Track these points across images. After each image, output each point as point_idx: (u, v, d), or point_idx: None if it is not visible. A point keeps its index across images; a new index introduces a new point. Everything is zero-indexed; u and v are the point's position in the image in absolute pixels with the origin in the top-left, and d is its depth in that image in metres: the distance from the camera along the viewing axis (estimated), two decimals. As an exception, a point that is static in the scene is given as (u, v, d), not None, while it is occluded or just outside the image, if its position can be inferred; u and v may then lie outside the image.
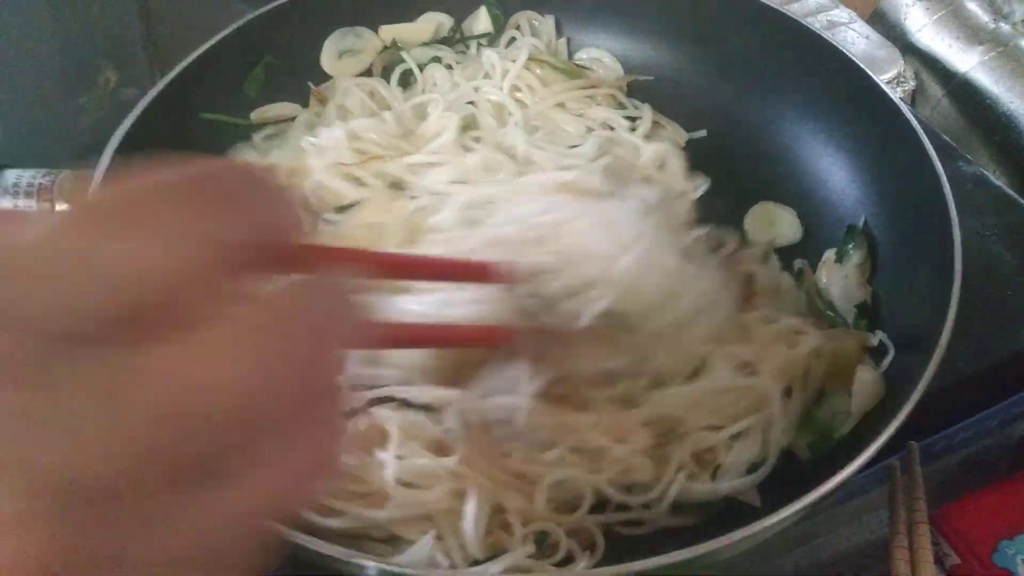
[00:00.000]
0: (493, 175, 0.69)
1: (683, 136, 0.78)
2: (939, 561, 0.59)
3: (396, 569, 0.47)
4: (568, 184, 0.64)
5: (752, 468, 0.57)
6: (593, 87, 0.77)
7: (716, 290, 0.61)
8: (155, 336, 0.20)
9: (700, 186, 0.74)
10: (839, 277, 0.65)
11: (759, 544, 0.50)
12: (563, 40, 0.83)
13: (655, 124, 0.78)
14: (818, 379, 0.60)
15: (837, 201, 0.71)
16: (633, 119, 0.78)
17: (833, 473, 0.48)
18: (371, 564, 0.46)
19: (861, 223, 0.69)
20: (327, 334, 0.24)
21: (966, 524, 0.59)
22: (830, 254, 0.68)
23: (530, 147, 0.71)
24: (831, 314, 0.65)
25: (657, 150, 0.74)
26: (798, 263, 0.69)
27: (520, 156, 0.71)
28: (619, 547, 0.54)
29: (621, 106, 0.79)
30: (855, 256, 0.66)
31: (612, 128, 0.76)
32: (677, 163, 0.74)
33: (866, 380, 0.58)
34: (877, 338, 0.61)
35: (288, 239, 0.26)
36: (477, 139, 0.74)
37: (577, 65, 0.81)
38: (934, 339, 0.54)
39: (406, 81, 0.79)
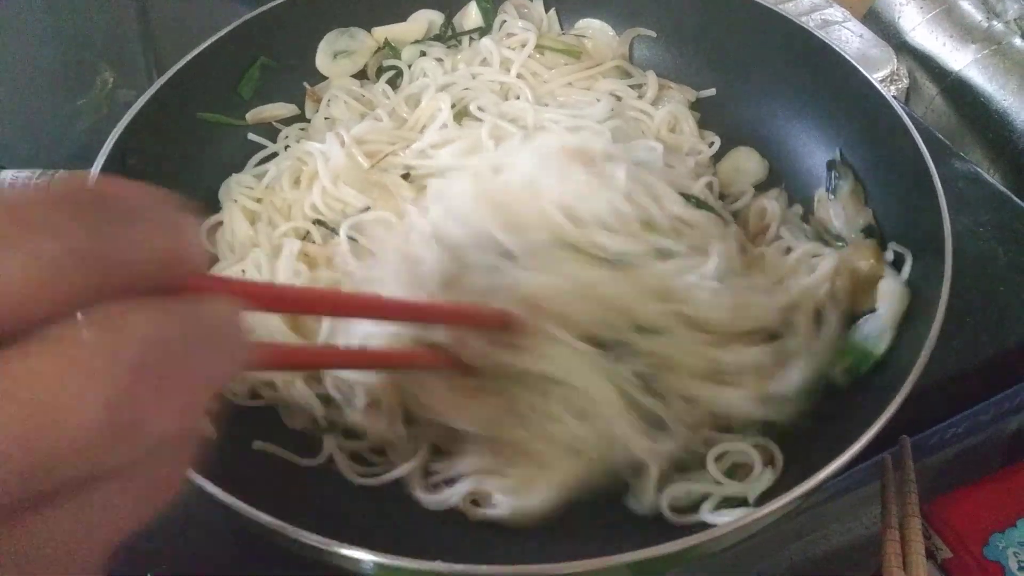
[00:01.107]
0: (501, 143, 0.70)
1: (692, 94, 0.80)
2: (932, 555, 0.59)
3: (390, 561, 0.47)
4: (574, 149, 0.64)
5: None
6: (597, 65, 0.79)
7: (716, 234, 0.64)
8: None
9: (713, 144, 0.76)
10: (837, 208, 0.68)
11: (755, 539, 0.51)
12: (552, 13, 0.84)
13: (663, 87, 0.79)
14: (845, 297, 0.62)
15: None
16: (640, 86, 0.79)
17: (824, 464, 0.48)
18: (368, 558, 0.46)
19: (838, 155, 0.71)
20: (192, 373, 0.22)
21: (958, 518, 0.59)
22: (821, 192, 0.70)
23: (540, 112, 0.73)
24: (841, 244, 0.67)
25: (667, 112, 0.76)
26: (796, 208, 0.71)
27: (531, 123, 0.73)
28: (613, 535, 0.54)
29: (627, 75, 0.80)
30: (845, 185, 0.68)
31: (619, 98, 0.77)
32: (689, 123, 0.77)
33: (890, 289, 0.59)
34: (891, 250, 0.63)
35: (179, 271, 0.23)
36: (481, 109, 0.74)
37: (575, 35, 0.82)
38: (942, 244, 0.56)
39: (395, 83, 0.80)
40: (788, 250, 0.65)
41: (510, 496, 0.52)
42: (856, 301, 0.62)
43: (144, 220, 0.22)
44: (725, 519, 0.50)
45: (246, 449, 0.57)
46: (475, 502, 0.55)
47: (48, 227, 0.19)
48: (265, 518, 0.46)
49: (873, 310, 0.60)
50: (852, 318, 0.62)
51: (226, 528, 0.56)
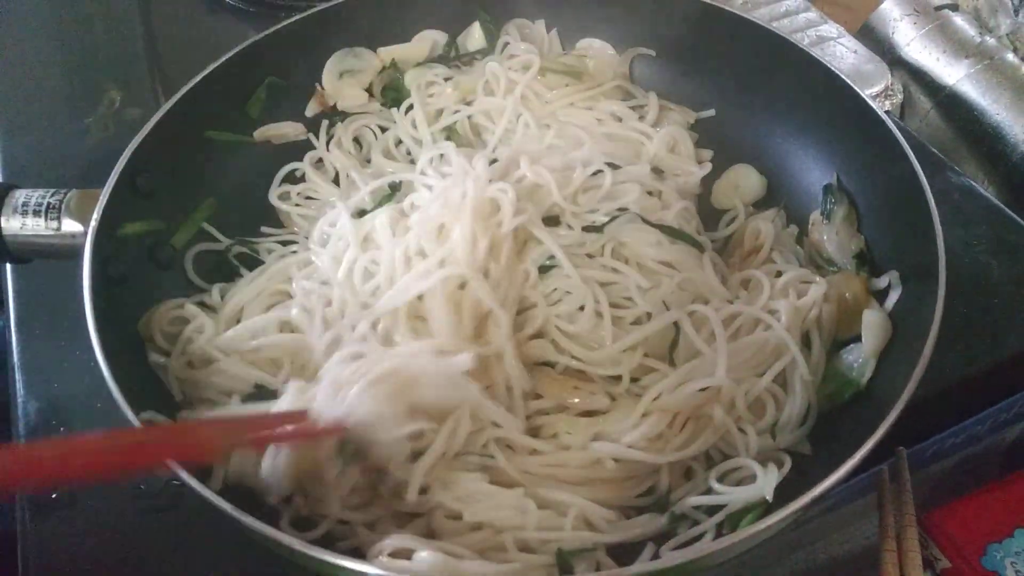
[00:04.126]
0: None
1: (691, 115, 0.82)
2: (930, 565, 0.60)
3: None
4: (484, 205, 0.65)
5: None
6: (599, 85, 0.80)
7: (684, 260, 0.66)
8: None
9: (703, 164, 0.78)
10: (831, 233, 0.69)
11: (756, 549, 0.51)
12: (553, 33, 0.85)
13: (663, 108, 0.81)
14: (831, 323, 0.63)
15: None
16: (640, 106, 0.81)
17: (824, 477, 0.49)
18: (378, 572, 0.47)
19: (835, 180, 0.72)
20: None
21: (956, 528, 0.60)
22: (816, 215, 0.71)
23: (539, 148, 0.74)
24: (833, 268, 0.68)
25: (666, 133, 0.78)
26: (792, 228, 0.73)
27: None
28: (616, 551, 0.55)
29: (628, 94, 0.82)
30: (839, 211, 0.70)
31: (620, 119, 0.79)
32: (686, 145, 0.78)
33: (873, 320, 0.61)
34: (887, 279, 0.64)
35: None
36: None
37: (577, 56, 0.83)
38: (934, 276, 0.57)
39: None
40: (778, 274, 0.67)
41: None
42: (841, 328, 0.64)
43: None
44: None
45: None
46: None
47: None
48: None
49: (858, 338, 0.62)
50: (837, 344, 0.64)
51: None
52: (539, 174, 0.68)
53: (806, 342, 0.63)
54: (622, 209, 0.68)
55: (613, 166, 0.71)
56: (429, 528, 0.54)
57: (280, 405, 0.54)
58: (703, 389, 0.58)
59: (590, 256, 0.65)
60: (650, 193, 0.71)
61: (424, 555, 0.50)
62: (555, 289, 0.63)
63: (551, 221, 0.67)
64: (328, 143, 0.80)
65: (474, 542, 0.52)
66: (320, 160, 0.79)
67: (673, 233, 0.67)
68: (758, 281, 0.66)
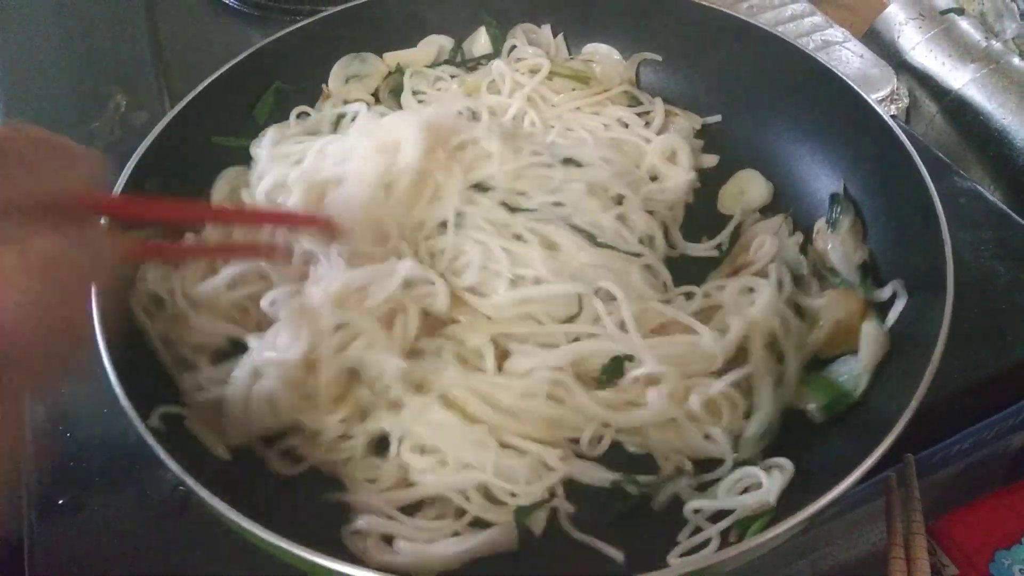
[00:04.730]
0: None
1: (697, 121, 0.81)
2: (937, 571, 0.60)
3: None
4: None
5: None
6: (605, 91, 0.80)
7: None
8: None
9: (690, 172, 0.76)
10: (835, 243, 0.68)
11: (761, 556, 0.52)
12: (560, 38, 0.86)
13: (669, 113, 0.81)
14: (817, 341, 0.62)
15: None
16: (647, 112, 0.81)
17: (831, 486, 0.49)
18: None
19: (841, 188, 0.71)
20: (78, 274, 0.36)
21: (963, 535, 0.60)
22: (821, 223, 0.71)
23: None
24: (836, 279, 0.67)
25: (664, 142, 0.77)
26: (797, 237, 0.72)
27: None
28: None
29: (635, 100, 0.82)
30: (845, 221, 0.69)
31: (627, 125, 0.79)
32: (685, 153, 0.77)
33: (871, 334, 0.61)
34: (890, 289, 0.63)
35: (68, 198, 0.37)
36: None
37: (584, 61, 0.83)
38: (941, 289, 0.57)
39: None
40: (750, 290, 0.64)
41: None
42: (837, 344, 0.63)
43: (37, 163, 0.36)
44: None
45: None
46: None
47: None
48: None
49: (852, 351, 0.61)
50: (829, 358, 0.63)
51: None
52: (490, 141, 0.67)
53: (777, 354, 0.61)
54: (558, 204, 0.66)
55: (574, 163, 0.69)
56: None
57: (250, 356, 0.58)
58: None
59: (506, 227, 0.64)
60: (616, 201, 0.68)
61: (403, 546, 0.53)
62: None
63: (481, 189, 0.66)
64: (334, 147, 0.80)
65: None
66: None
67: (591, 240, 0.65)
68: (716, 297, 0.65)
